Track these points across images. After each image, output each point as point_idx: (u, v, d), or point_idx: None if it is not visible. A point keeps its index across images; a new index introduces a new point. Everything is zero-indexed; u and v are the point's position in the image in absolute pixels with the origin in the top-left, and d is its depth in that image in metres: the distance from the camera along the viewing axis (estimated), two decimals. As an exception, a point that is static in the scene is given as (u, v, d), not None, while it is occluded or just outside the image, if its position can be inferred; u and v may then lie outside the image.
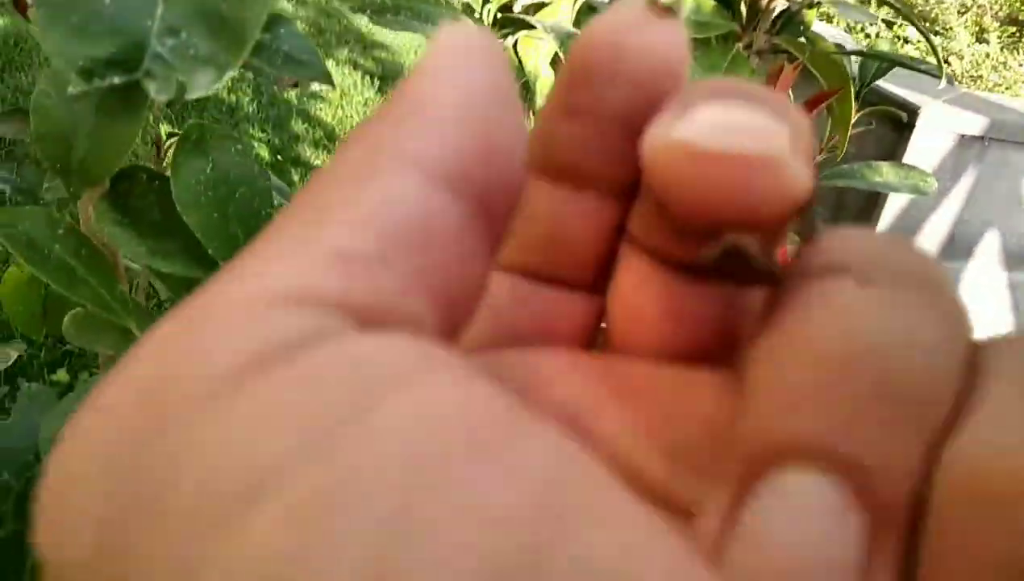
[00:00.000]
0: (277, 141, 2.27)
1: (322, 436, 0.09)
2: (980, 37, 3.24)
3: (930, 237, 1.93)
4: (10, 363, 0.61)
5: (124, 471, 0.09)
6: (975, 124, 1.91)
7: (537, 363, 0.15)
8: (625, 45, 0.14)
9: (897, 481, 0.10)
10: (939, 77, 0.81)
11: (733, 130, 0.12)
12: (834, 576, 0.10)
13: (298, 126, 2.39)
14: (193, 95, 0.31)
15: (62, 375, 1.38)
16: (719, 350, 0.14)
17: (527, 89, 0.89)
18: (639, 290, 0.15)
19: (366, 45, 3.04)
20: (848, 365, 0.11)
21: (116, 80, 0.30)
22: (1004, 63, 3.09)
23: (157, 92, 0.31)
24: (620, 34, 0.14)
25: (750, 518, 0.11)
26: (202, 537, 0.08)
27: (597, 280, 0.16)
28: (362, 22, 3.16)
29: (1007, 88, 2.98)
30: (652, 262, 0.15)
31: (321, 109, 2.52)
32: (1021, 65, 3.08)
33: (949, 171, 1.92)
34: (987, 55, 3.11)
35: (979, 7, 3.34)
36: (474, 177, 0.12)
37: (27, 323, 0.80)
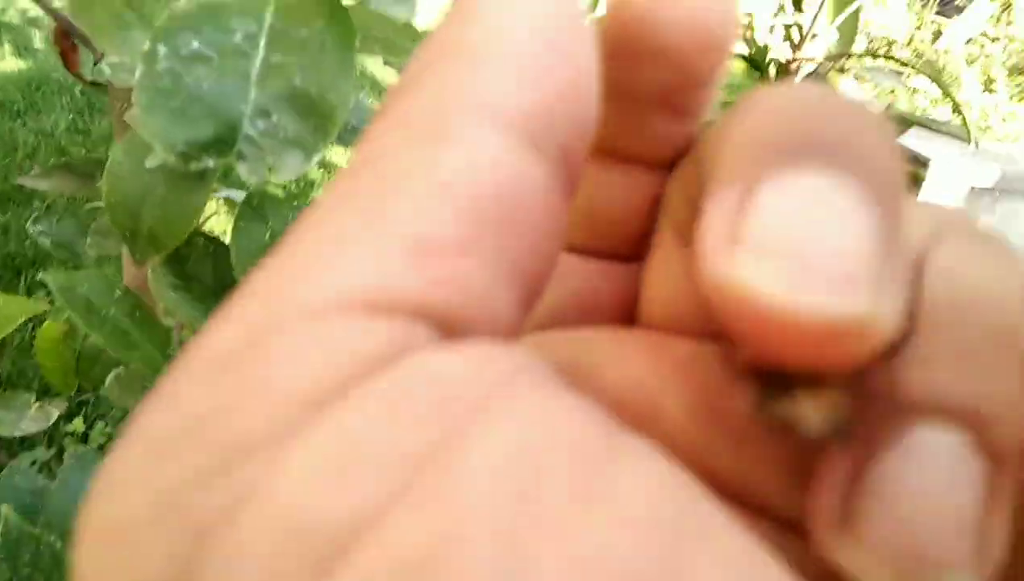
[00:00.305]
0: (293, 187, 2.29)
1: (415, 477, 0.08)
2: (988, 87, 3.27)
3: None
4: (51, 423, 0.61)
5: (185, 517, 0.08)
6: (987, 176, 1.92)
7: (586, 344, 0.14)
8: (663, 20, 0.12)
9: (1013, 426, 0.11)
10: (967, 141, 0.81)
11: (808, 263, 0.09)
12: (962, 523, 0.10)
13: (314, 172, 2.41)
14: (281, 178, 0.32)
15: (78, 424, 1.38)
16: None
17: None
18: (672, 271, 0.14)
19: (380, 91, 3.08)
20: (957, 318, 0.11)
21: (211, 163, 0.30)
22: (1013, 113, 3.12)
23: (248, 174, 0.31)
24: (656, 6, 0.12)
25: (881, 476, 0.10)
26: None
27: (639, 250, 0.15)
28: (376, 68, 3.20)
29: (1015, 139, 3.00)
30: (684, 241, 0.13)
31: (336, 154, 2.55)
32: (1029, 115, 3.11)
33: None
34: (996, 106, 3.14)
35: (987, 56, 3.38)
36: (557, 126, 0.10)
37: (60, 377, 0.80)
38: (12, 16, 2.83)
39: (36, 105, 2.29)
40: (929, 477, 0.10)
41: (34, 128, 2.19)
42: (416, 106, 0.10)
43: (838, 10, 0.76)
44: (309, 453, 0.08)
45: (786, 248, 0.09)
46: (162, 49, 0.30)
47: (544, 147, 0.10)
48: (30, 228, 0.76)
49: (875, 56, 0.94)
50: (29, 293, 1.49)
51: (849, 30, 0.79)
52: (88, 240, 0.70)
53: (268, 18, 0.32)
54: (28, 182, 0.76)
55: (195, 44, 0.31)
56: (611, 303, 0.15)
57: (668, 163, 0.14)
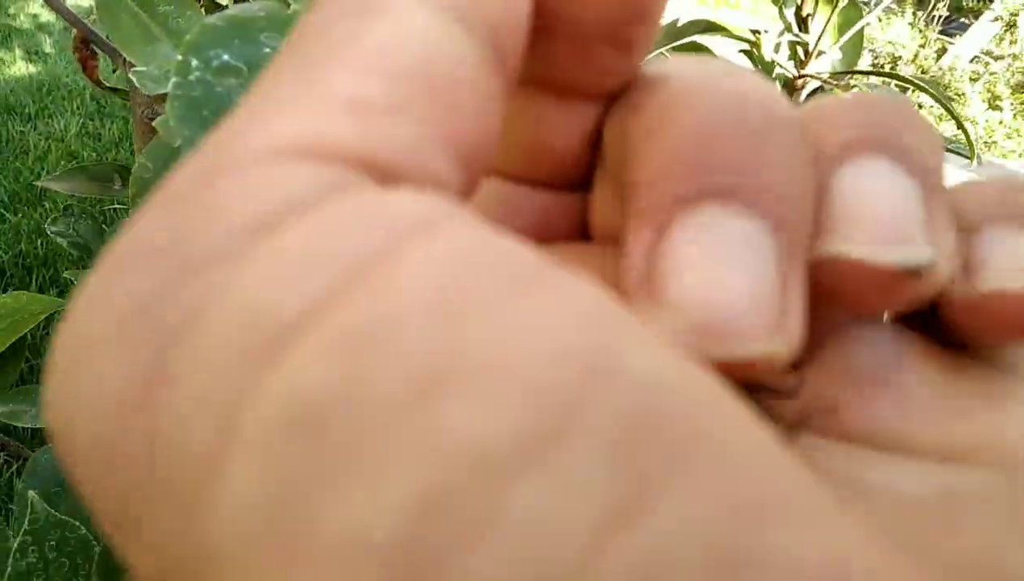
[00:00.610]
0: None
1: (356, 274, 0.08)
2: (993, 104, 3.29)
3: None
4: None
5: (147, 323, 0.08)
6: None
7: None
8: None
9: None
10: (970, 157, 0.83)
11: (712, 314, 0.11)
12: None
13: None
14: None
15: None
16: None
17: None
18: (608, 200, 0.15)
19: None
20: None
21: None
22: (1018, 130, 3.13)
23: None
24: None
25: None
26: (237, 378, 0.08)
27: (587, 177, 0.16)
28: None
29: (1020, 154, 3.01)
30: None
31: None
32: (1033, 133, 3.13)
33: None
34: (1000, 122, 3.15)
35: (992, 75, 3.39)
36: (486, 7, 0.11)
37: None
38: (23, 21, 2.86)
39: (47, 109, 2.31)
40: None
41: (45, 132, 2.21)
42: None
43: (843, 30, 0.77)
44: (261, 260, 0.08)
45: (691, 303, 0.11)
46: (193, 61, 0.32)
47: (472, 27, 0.11)
48: (48, 229, 0.77)
49: (880, 74, 0.95)
50: (41, 291, 1.51)
51: (853, 49, 0.81)
52: (104, 242, 0.72)
53: (295, 32, 0.33)
54: (46, 184, 0.78)
55: (225, 56, 0.32)
56: (565, 232, 0.16)
57: (612, 95, 0.15)
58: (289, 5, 0.35)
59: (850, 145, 0.13)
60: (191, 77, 0.31)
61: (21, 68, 2.56)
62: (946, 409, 0.13)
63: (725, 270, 0.11)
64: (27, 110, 2.31)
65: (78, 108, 2.35)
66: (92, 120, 2.30)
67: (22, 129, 2.21)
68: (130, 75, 0.41)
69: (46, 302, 0.55)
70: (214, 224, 0.09)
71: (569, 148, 0.15)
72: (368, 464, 0.07)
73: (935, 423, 0.13)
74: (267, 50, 0.33)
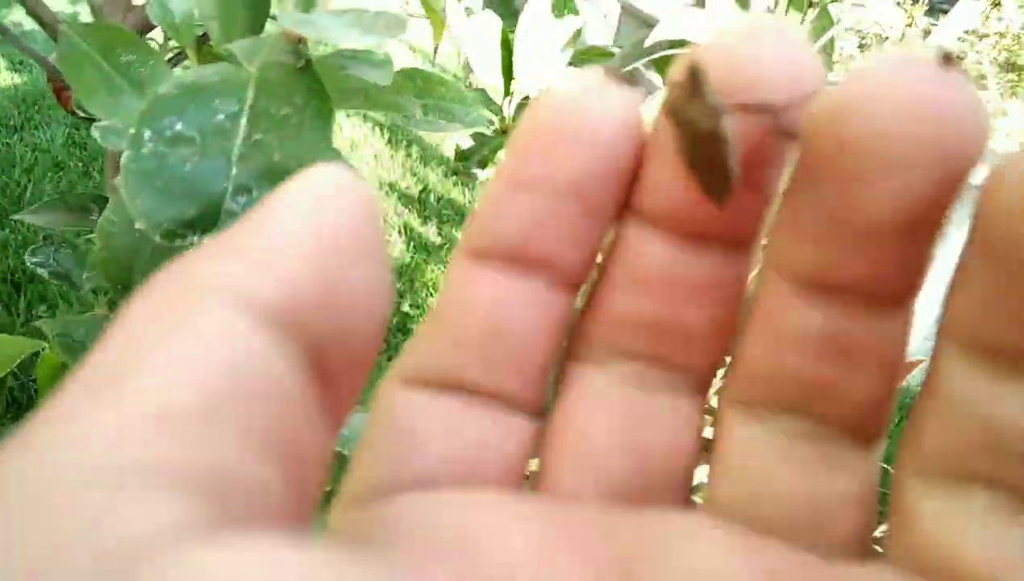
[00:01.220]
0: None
1: None
2: (979, 84, 3.28)
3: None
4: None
5: None
6: (978, 173, 1.94)
7: (472, 512, 0.13)
8: (584, 108, 0.13)
9: None
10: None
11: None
12: None
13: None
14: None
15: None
16: (663, 480, 0.14)
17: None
18: (593, 415, 0.14)
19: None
20: None
21: (195, 240, 0.32)
22: (1004, 111, 3.13)
23: (232, 247, 0.33)
24: (578, 98, 0.13)
25: None
26: None
27: (536, 396, 0.14)
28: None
29: (1007, 135, 3.01)
30: (611, 380, 0.14)
31: (332, 162, 2.55)
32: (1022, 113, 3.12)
33: (953, 219, 1.94)
34: (987, 102, 3.15)
35: (977, 52, 3.38)
36: (310, 322, 0.11)
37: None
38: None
39: (33, 120, 2.30)
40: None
41: (31, 143, 2.20)
42: (167, 287, 0.11)
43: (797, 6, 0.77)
44: None
45: None
46: (147, 132, 0.32)
47: (293, 337, 0.11)
48: (28, 259, 0.78)
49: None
50: (29, 308, 1.51)
51: (824, 59, 0.81)
52: (85, 273, 0.72)
53: (249, 97, 0.33)
54: (26, 217, 0.78)
55: (178, 126, 0.32)
56: (506, 461, 0.14)
57: (576, 281, 0.14)
58: (243, 67, 0.35)
59: None
60: (143, 150, 0.32)
61: (6, 78, 2.55)
62: None
63: None
64: (12, 121, 2.29)
65: (64, 118, 2.33)
66: (78, 129, 2.29)
67: (8, 141, 2.20)
68: (93, 131, 0.42)
69: (22, 343, 0.55)
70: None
71: (526, 340, 0.14)
72: None
73: None
74: (220, 116, 0.33)
